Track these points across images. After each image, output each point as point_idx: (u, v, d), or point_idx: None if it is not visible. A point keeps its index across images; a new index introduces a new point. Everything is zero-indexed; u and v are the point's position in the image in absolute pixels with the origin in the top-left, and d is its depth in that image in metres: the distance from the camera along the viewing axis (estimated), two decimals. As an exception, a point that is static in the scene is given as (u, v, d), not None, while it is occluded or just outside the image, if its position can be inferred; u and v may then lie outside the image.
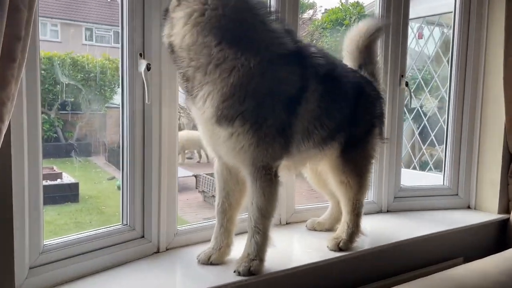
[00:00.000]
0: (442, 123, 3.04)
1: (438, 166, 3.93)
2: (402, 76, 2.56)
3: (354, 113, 1.85)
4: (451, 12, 3.51)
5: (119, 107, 1.79)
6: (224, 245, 1.71)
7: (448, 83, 2.79)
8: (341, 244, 1.92)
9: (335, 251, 1.91)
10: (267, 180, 1.55)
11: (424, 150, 3.93)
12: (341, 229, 1.98)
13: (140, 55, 1.74)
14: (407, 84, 2.57)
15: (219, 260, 1.71)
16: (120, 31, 1.75)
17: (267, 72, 1.47)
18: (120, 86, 1.78)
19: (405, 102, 2.63)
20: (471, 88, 2.71)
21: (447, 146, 2.79)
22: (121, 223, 1.81)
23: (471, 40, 2.69)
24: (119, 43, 1.76)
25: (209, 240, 1.81)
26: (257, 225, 1.59)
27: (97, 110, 3.81)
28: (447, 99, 2.82)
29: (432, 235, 2.25)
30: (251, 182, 1.57)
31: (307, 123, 1.63)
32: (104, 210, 3.83)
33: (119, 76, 1.77)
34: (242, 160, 1.54)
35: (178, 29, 1.44)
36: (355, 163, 1.90)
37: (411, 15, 2.58)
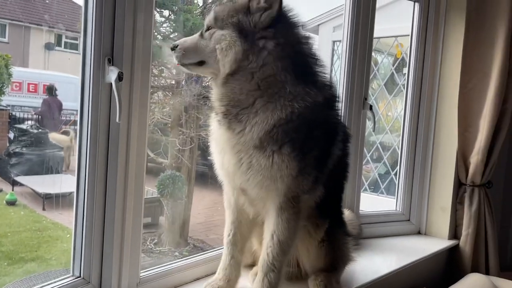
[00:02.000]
0: (397, 147, 3.06)
1: (371, 185, 3.99)
2: (366, 99, 2.50)
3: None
4: (391, 36, 3.59)
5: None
6: (233, 277, 1.61)
7: (403, 112, 2.80)
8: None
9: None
10: (295, 213, 1.49)
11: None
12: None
13: (109, 60, 1.39)
14: (371, 108, 2.51)
15: None
16: (82, 27, 1.38)
17: (322, 110, 1.48)
18: (80, 98, 1.39)
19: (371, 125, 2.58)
20: (425, 118, 2.75)
21: (401, 173, 2.80)
22: (71, 274, 1.41)
23: (426, 70, 2.73)
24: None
25: (178, 286, 1.62)
26: (274, 261, 1.49)
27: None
28: (401, 127, 2.83)
29: (400, 269, 2.18)
30: (277, 214, 1.48)
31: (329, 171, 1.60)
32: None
33: (80, 86, 1.39)
34: (275, 190, 1.45)
35: (260, 56, 1.37)
36: None
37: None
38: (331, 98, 1.53)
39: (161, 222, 4.77)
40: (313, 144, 1.46)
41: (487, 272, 2.65)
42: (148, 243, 4.54)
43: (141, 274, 1.58)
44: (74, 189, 1.43)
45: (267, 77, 1.38)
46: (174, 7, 4.61)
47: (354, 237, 2.10)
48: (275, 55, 1.38)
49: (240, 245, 1.63)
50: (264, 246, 1.52)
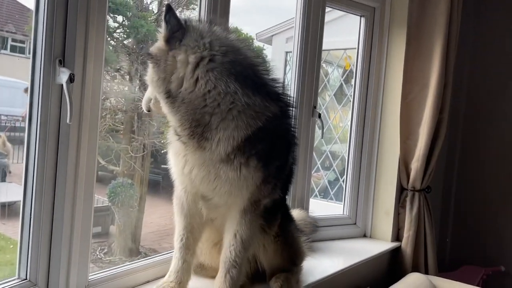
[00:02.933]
0: (345, 155, 3.19)
1: (321, 191, 4.11)
2: (315, 107, 2.60)
3: None
4: (341, 49, 3.76)
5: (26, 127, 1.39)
6: (184, 280, 1.63)
7: (350, 122, 2.94)
8: None
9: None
10: (256, 214, 1.59)
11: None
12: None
13: (60, 62, 1.39)
14: (319, 116, 2.62)
15: None
16: (33, 27, 1.37)
17: (281, 121, 1.57)
18: (29, 100, 1.38)
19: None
20: (370, 127, 2.91)
21: (348, 180, 2.93)
22: (17, 276, 1.38)
23: (371, 81, 2.89)
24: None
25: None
26: (236, 258, 1.57)
27: None
28: (348, 135, 2.97)
29: (346, 269, 2.29)
30: (240, 216, 1.57)
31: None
32: None
33: (29, 87, 1.37)
34: (240, 197, 1.54)
35: (186, 74, 1.40)
36: None
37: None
38: (287, 107, 1.60)
39: (111, 231, 4.66)
40: (275, 154, 1.56)
41: (426, 272, 2.82)
42: (97, 252, 4.42)
43: (90, 277, 1.56)
44: (20, 195, 1.41)
45: (207, 92, 1.40)
46: (128, 13, 4.58)
47: (306, 234, 2.20)
48: (204, 67, 1.40)
49: (193, 249, 1.67)
50: (226, 245, 1.59)
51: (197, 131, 1.44)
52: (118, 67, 4.41)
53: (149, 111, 1.57)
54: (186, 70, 1.40)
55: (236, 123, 1.42)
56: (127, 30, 4.61)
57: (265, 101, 1.47)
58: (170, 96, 1.42)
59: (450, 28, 2.72)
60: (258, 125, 1.45)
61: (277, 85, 1.58)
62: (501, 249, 3.50)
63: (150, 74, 1.47)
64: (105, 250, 4.77)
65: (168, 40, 1.42)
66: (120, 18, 4.58)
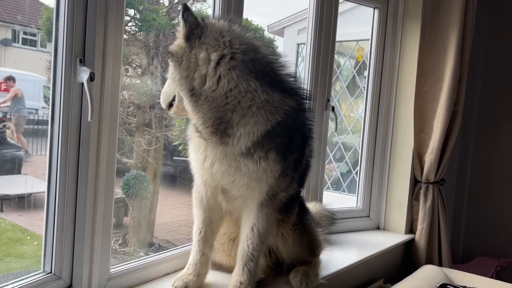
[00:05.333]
0: (357, 147, 3.19)
1: (333, 183, 4.11)
2: (328, 100, 2.61)
3: None
4: (353, 40, 3.73)
5: (49, 124, 1.42)
6: (202, 273, 1.68)
7: (363, 114, 2.94)
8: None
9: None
10: (273, 208, 1.62)
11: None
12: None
13: (80, 61, 1.41)
14: (333, 109, 2.62)
15: (197, 286, 1.66)
16: (54, 27, 1.40)
17: (298, 115, 1.60)
18: (51, 98, 1.41)
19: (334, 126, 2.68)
20: (384, 119, 2.90)
21: (361, 172, 2.93)
22: (42, 270, 1.43)
23: (384, 73, 2.88)
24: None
25: (148, 281, 1.68)
26: (254, 252, 1.61)
27: None
28: (361, 128, 2.96)
29: (359, 262, 2.30)
30: (257, 209, 1.60)
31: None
32: None
33: (50, 86, 1.40)
34: (259, 189, 1.57)
35: (208, 71, 1.43)
36: None
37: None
38: (303, 101, 1.63)
39: (125, 222, 4.73)
40: (293, 147, 1.59)
41: (440, 264, 2.83)
42: (112, 243, 4.50)
43: (111, 270, 1.61)
44: (36, 187, 1.45)
45: (229, 90, 1.43)
46: (140, 6, 4.60)
47: (322, 226, 2.24)
48: (226, 65, 1.42)
49: (211, 242, 1.71)
50: (243, 238, 1.63)
51: (220, 128, 1.47)
52: (130, 60, 4.44)
53: (170, 107, 1.59)
54: (208, 68, 1.43)
55: (256, 119, 1.46)
56: (139, 24, 4.64)
57: (282, 97, 1.52)
58: (194, 94, 1.45)
59: (466, 20, 2.69)
60: (277, 120, 1.49)
61: (293, 79, 1.61)
62: (515, 241, 3.49)
63: (171, 72, 1.50)
64: (120, 241, 4.85)
65: (188, 37, 1.44)
66: (131, 12, 4.61)
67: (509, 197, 3.51)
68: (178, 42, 1.47)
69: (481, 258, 3.48)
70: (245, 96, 1.44)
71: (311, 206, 2.30)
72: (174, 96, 1.57)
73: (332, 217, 2.48)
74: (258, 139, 1.47)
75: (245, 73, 1.43)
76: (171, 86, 1.56)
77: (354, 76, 4.07)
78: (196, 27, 1.44)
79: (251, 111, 1.45)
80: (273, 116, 1.48)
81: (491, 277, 3.07)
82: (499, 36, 3.54)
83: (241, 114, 1.45)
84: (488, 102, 3.61)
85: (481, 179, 3.63)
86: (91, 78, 1.39)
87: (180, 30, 1.45)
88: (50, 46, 1.51)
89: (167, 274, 1.79)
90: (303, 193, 2.44)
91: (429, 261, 2.77)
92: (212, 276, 1.75)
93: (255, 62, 1.47)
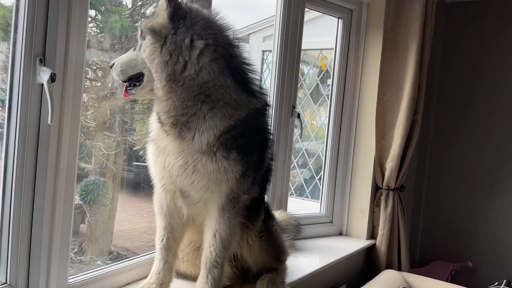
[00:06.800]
0: (321, 154, 3.23)
1: (297, 189, 4.14)
2: (294, 107, 2.63)
3: None
4: (317, 49, 3.79)
5: (5, 127, 1.35)
6: (166, 281, 1.62)
7: (327, 121, 2.98)
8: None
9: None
10: (235, 212, 1.58)
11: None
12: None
13: (40, 61, 1.35)
14: (298, 116, 2.65)
15: None
16: (13, 26, 1.33)
17: (260, 117, 1.61)
18: (7, 100, 1.34)
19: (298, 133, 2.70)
20: (347, 127, 2.96)
21: (324, 178, 2.97)
22: (-6, 281, 1.34)
23: (348, 82, 2.94)
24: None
25: None
26: (217, 258, 1.57)
27: None
28: (325, 135, 3.01)
29: (323, 268, 2.33)
30: (218, 214, 1.56)
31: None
32: None
33: (5, 88, 1.33)
34: (218, 192, 1.53)
35: (191, 59, 1.39)
36: None
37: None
38: (265, 106, 1.64)
39: (82, 230, 4.56)
40: (254, 148, 1.57)
41: (399, 268, 2.90)
42: (68, 252, 4.32)
43: (70, 280, 1.54)
44: None
45: (207, 82, 1.42)
46: (101, 7, 4.49)
47: (288, 234, 2.24)
48: (209, 56, 1.41)
49: (174, 250, 1.66)
50: (206, 245, 1.59)
51: (182, 119, 1.44)
52: (90, 62, 4.31)
53: (124, 81, 1.49)
54: (191, 55, 1.39)
55: (222, 113, 1.45)
56: (100, 25, 4.52)
57: (249, 97, 1.53)
58: (172, 79, 1.40)
59: (424, 32, 2.80)
60: (241, 117, 1.48)
61: (258, 84, 1.63)
62: (469, 246, 3.64)
63: (149, 53, 1.41)
64: (76, 250, 4.66)
65: (172, 17, 1.39)
66: (92, 13, 4.48)
67: (463, 203, 3.67)
68: (161, 21, 1.41)
69: (437, 262, 3.60)
70: (217, 90, 1.44)
71: (278, 214, 2.30)
72: (139, 74, 1.47)
73: (298, 226, 2.49)
74: (220, 135, 1.45)
75: (224, 67, 1.44)
76: (140, 63, 1.45)
77: (317, 84, 4.14)
78: (179, 8, 1.41)
79: (219, 104, 1.45)
80: (237, 112, 1.47)
81: (447, 281, 3.18)
82: (452, 49, 3.71)
83: (211, 106, 1.44)
84: (443, 111, 3.77)
85: (437, 186, 3.77)
86: (52, 79, 1.33)
87: (163, 9, 1.39)
88: (5, 45, 1.44)
89: (129, 283, 1.74)
90: (268, 199, 2.45)
91: (389, 266, 2.84)
92: (176, 285, 1.71)
93: (233, 59, 1.48)
